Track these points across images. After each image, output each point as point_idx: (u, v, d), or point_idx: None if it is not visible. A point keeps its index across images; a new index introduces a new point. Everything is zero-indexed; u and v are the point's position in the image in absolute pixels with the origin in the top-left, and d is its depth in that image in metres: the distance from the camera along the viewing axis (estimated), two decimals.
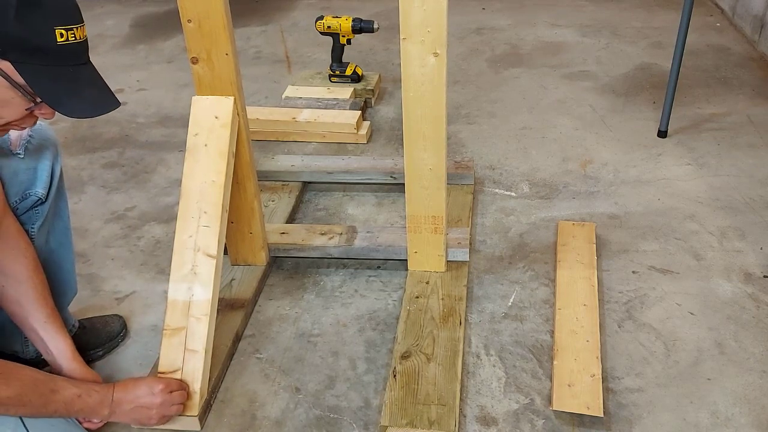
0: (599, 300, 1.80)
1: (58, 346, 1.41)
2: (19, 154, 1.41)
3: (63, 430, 1.33)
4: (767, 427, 1.48)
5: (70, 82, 1.16)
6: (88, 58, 1.21)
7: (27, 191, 1.43)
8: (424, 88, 1.58)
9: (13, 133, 1.42)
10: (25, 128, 1.25)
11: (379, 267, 1.99)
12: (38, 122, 1.48)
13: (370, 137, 2.67)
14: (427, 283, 1.85)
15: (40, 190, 1.44)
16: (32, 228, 1.47)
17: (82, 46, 1.18)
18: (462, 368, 1.61)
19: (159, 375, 1.49)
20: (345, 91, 2.84)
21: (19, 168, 1.41)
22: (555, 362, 1.60)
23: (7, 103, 1.14)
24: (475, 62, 3.30)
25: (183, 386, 1.46)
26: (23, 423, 1.25)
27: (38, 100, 1.15)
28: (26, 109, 1.17)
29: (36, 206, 1.46)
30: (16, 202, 1.42)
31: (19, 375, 1.23)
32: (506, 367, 1.65)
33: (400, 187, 2.19)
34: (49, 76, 1.13)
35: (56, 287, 1.57)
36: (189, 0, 1.52)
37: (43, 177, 1.45)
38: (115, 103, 1.22)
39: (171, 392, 1.42)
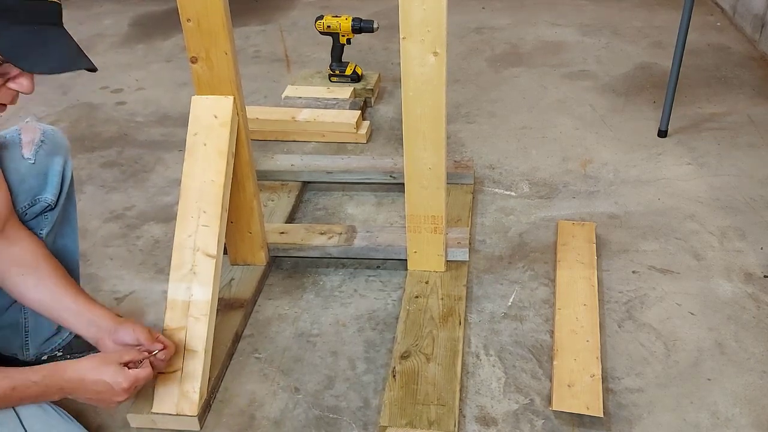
0: (599, 300, 1.80)
1: (96, 313, 1.36)
2: (30, 159, 1.40)
3: (63, 430, 1.32)
4: (767, 427, 1.47)
5: (35, 38, 1.10)
6: (62, 23, 1.15)
7: (36, 197, 1.42)
8: (424, 88, 1.57)
9: (25, 137, 1.40)
10: (4, 106, 1.19)
11: (378, 267, 1.98)
12: (51, 127, 1.47)
13: (369, 137, 2.66)
14: (427, 282, 1.84)
15: (49, 196, 1.43)
16: (40, 233, 1.47)
17: (53, 8, 1.12)
18: (461, 368, 1.61)
19: (158, 374, 1.49)
20: (345, 91, 2.84)
21: (29, 173, 1.40)
22: (555, 362, 1.60)
23: None
24: (475, 62, 3.30)
25: (148, 376, 1.33)
26: (21, 423, 1.24)
27: (3, 62, 1.08)
28: None
29: (45, 212, 1.45)
30: (25, 207, 1.41)
31: None
32: (506, 367, 1.64)
33: (399, 187, 2.18)
34: (13, 33, 1.07)
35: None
36: None
37: (54, 182, 1.44)
38: (86, 63, 1.15)
39: (136, 387, 1.31)
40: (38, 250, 1.39)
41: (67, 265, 1.55)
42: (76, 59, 1.15)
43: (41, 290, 1.36)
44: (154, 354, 1.35)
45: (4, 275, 1.35)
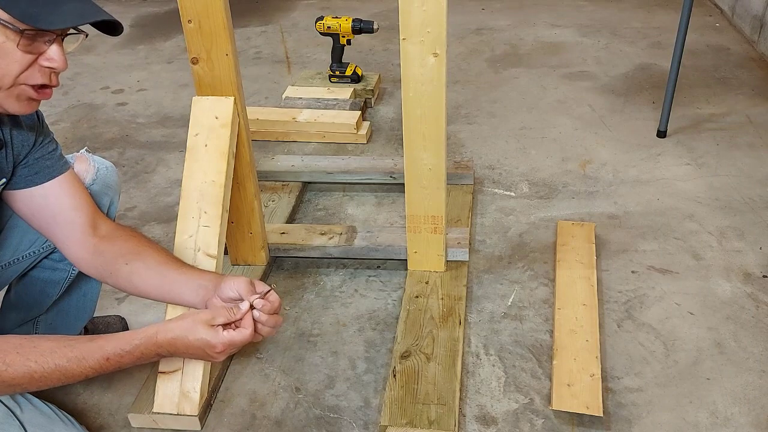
0: (599, 300, 1.81)
1: (202, 276, 1.35)
2: None
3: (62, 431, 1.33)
4: (766, 426, 1.48)
5: (47, 0, 1.07)
6: None
7: None
8: (424, 88, 1.58)
9: (77, 167, 1.40)
10: (47, 89, 1.16)
11: (378, 267, 1.99)
12: (105, 165, 1.46)
13: (369, 137, 2.67)
14: (427, 282, 1.85)
15: None
16: (72, 270, 1.48)
17: None
18: (461, 368, 1.62)
19: (159, 374, 1.50)
20: (345, 91, 2.84)
21: None
22: (554, 362, 1.61)
23: (1, 51, 1.07)
24: (475, 62, 3.31)
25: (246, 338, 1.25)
26: (24, 428, 1.25)
27: (24, 30, 1.06)
28: (22, 50, 1.08)
29: None
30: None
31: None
32: (506, 366, 1.65)
33: (399, 187, 2.19)
34: (25, 1, 1.06)
35: (75, 312, 1.59)
36: (189, 0, 1.53)
37: None
38: (104, 15, 1.12)
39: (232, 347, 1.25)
40: (136, 239, 1.39)
41: (87, 293, 1.58)
42: (92, 11, 1.12)
43: (150, 273, 1.34)
44: (251, 308, 1.25)
45: (112, 270, 1.35)
